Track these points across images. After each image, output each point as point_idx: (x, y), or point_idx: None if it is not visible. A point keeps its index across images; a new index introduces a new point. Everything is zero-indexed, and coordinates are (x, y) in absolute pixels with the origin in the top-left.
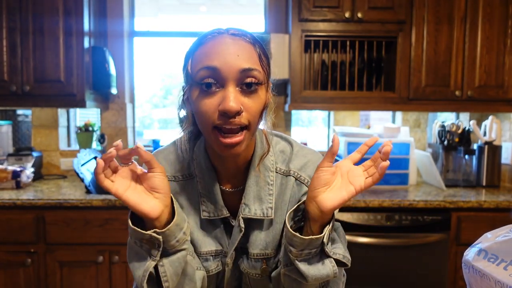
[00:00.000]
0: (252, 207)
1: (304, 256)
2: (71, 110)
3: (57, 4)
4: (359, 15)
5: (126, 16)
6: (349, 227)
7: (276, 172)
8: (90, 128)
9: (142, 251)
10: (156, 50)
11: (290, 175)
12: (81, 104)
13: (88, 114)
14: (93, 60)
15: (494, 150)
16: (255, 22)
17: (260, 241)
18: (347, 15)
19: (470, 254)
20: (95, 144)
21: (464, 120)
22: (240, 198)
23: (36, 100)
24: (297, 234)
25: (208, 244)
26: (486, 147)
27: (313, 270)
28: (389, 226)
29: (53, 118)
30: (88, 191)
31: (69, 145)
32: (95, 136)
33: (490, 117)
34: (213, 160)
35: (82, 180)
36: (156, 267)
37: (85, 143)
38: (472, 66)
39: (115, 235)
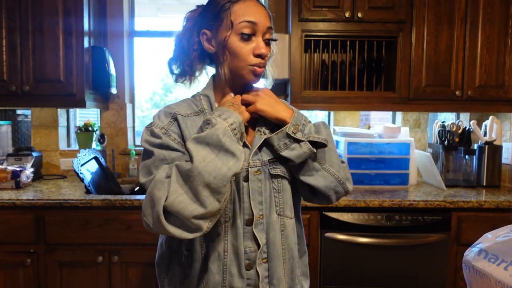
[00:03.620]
0: (265, 131)
1: (283, 147)
2: (71, 110)
3: (56, 4)
4: (359, 15)
5: (126, 16)
6: (349, 227)
7: None
8: (90, 128)
9: (232, 143)
10: (156, 50)
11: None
12: (81, 104)
13: (87, 114)
14: (93, 60)
15: (495, 150)
16: None
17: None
18: (347, 15)
19: (470, 254)
20: (94, 144)
21: (465, 120)
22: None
23: (35, 100)
24: (271, 135)
25: None
26: (487, 147)
27: (293, 152)
28: (389, 226)
29: (53, 118)
30: (87, 191)
31: (68, 145)
32: (95, 136)
33: (491, 117)
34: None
35: (82, 180)
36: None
37: (84, 143)
38: (473, 66)
39: (115, 235)
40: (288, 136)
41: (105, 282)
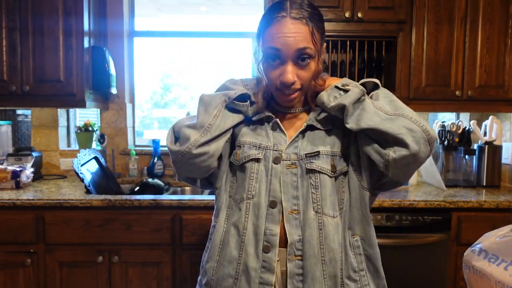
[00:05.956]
0: (314, 120)
1: (333, 100)
2: (71, 110)
3: (56, 4)
4: (359, 15)
5: (126, 16)
6: None
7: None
8: (90, 128)
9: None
10: (156, 50)
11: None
12: (81, 104)
13: (87, 114)
14: (93, 60)
15: (495, 150)
16: (255, 22)
17: (327, 141)
18: (347, 15)
19: (470, 254)
20: (94, 144)
21: (464, 120)
22: (294, 121)
23: (35, 100)
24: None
25: (251, 137)
26: (487, 147)
27: (342, 99)
28: (389, 226)
29: (53, 118)
30: (87, 191)
31: (68, 145)
32: (95, 136)
33: (490, 117)
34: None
35: (82, 180)
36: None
37: (85, 143)
38: (473, 66)
39: (115, 235)
40: (337, 88)
41: (105, 282)
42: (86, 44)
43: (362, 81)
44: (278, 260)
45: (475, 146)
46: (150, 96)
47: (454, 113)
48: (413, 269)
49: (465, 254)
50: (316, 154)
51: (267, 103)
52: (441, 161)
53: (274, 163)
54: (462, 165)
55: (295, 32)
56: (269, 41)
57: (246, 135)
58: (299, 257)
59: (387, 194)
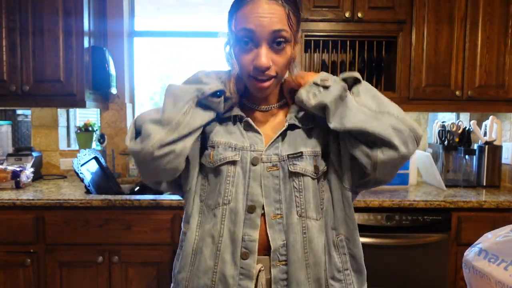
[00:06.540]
0: (295, 119)
1: (312, 97)
2: (71, 110)
3: (57, 4)
4: (359, 15)
5: (126, 16)
6: None
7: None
8: (90, 128)
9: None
10: (156, 50)
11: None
12: (81, 104)
13: (87, 114)
14: (93, 60)
15: (495, 150)
16: None
17: (308, 141)
18: (347, 15)
19: (470, 254)
20: (94, 144)
21: (465, 120)
22: (269, 119)
23: (35, 100)
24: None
25: (226, 137)
26: (487, 147)
27: (323, 96)
28: (389, 226)
29: (53, 118)
30: (88, 191)
31: (68, 145)
32: (95, 136)
33: (491, 117)
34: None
35: (82, 180)
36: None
37: (84, 143)
38: (473, 66)
39: (115, 235)
40: (316, 85)
41: (105, 282)
42: (86, 44)
43: (342, 75)
44: (262, 270)
45: (475, 146)
46: (150, 96)
47: (454, 113)
48: (413, 269)
49: (465, 254)
50: (299, 155)
51: (239, 99)
52: (441, 161)
53: (253, 165)
54: (462, 165)
55: (270, 12)
56: (242, 22)
57: (220, 134)
58: (284, 262)
59: (387, 194)
